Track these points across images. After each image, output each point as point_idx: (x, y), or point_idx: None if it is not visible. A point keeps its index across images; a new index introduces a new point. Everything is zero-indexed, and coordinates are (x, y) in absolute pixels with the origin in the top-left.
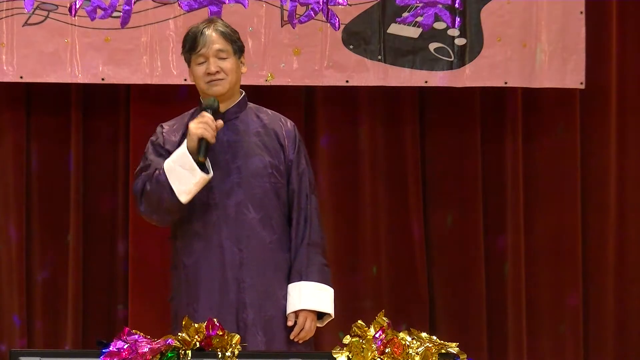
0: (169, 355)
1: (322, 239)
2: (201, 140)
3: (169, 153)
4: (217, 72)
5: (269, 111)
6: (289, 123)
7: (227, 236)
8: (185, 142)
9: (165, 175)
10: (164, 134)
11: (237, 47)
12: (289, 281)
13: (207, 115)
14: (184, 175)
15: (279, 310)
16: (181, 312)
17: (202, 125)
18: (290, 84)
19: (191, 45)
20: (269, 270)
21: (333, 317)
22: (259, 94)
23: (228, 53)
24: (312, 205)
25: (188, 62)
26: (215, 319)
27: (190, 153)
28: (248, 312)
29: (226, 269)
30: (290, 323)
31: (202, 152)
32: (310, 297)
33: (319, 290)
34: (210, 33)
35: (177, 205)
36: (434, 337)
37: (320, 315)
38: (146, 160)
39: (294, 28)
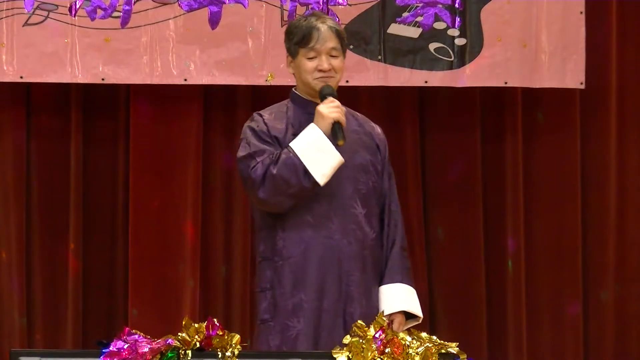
0: (169, 355)
1: (406, 243)
2: (336, 123)
3: (276, 140)
4: (330, 69)
5: (357, 113)
6: (378, 126)
7: (337, 229)
8: (311, 126)
9: (299, 159)
10: (266, 122)
11: (345, 46)
12: (384, 282)
13: (336, 100)
14: (321, 158)
15: (374, 308)
16: (284, 302)
17: (337, 109)
18: (290, 84)
19: (304, 38)
20: (368, 266)
21: (421, 320)
22: (259, 94)
23: (338, 52)
24: (399, 209)
25: (293, 53)
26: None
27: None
28: (355, 306)
29: (335, 261)
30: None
31: (341, 135)
32: (407, 299)
33: (412, 293)
34: (325, 30)
35: (308, 189)
36: (434, 337)
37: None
38: (249, 146)
39: None
